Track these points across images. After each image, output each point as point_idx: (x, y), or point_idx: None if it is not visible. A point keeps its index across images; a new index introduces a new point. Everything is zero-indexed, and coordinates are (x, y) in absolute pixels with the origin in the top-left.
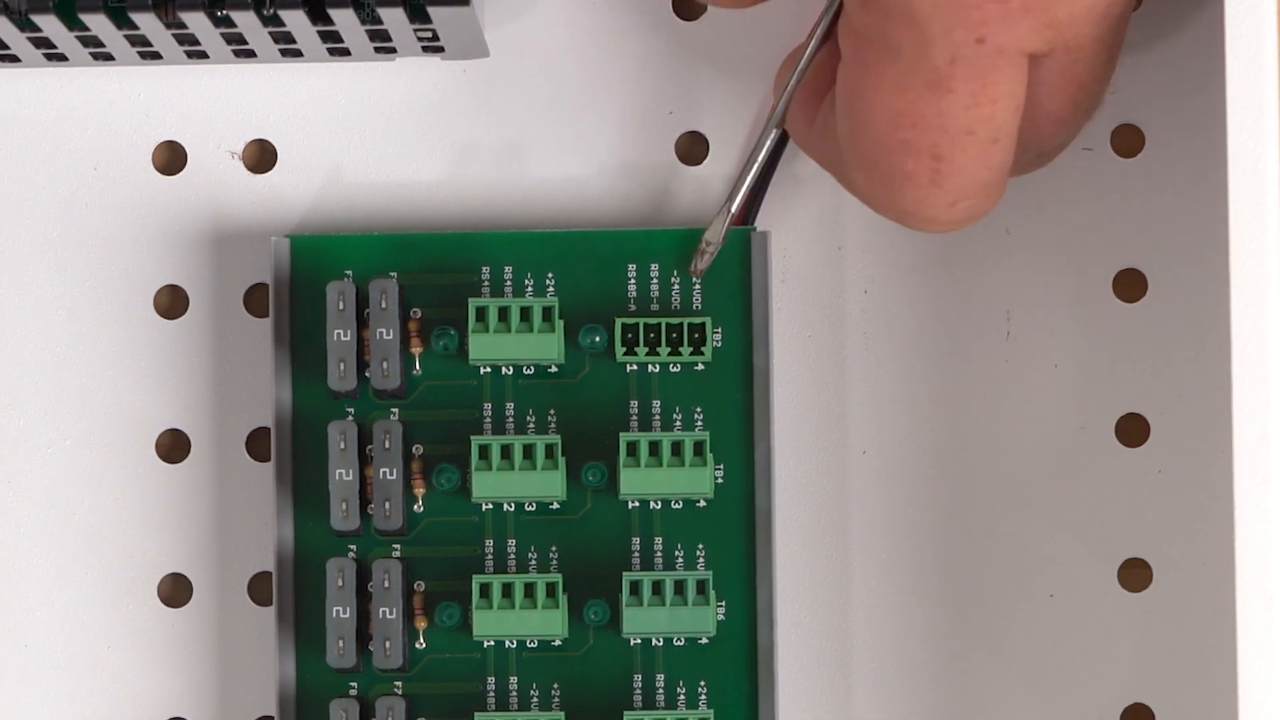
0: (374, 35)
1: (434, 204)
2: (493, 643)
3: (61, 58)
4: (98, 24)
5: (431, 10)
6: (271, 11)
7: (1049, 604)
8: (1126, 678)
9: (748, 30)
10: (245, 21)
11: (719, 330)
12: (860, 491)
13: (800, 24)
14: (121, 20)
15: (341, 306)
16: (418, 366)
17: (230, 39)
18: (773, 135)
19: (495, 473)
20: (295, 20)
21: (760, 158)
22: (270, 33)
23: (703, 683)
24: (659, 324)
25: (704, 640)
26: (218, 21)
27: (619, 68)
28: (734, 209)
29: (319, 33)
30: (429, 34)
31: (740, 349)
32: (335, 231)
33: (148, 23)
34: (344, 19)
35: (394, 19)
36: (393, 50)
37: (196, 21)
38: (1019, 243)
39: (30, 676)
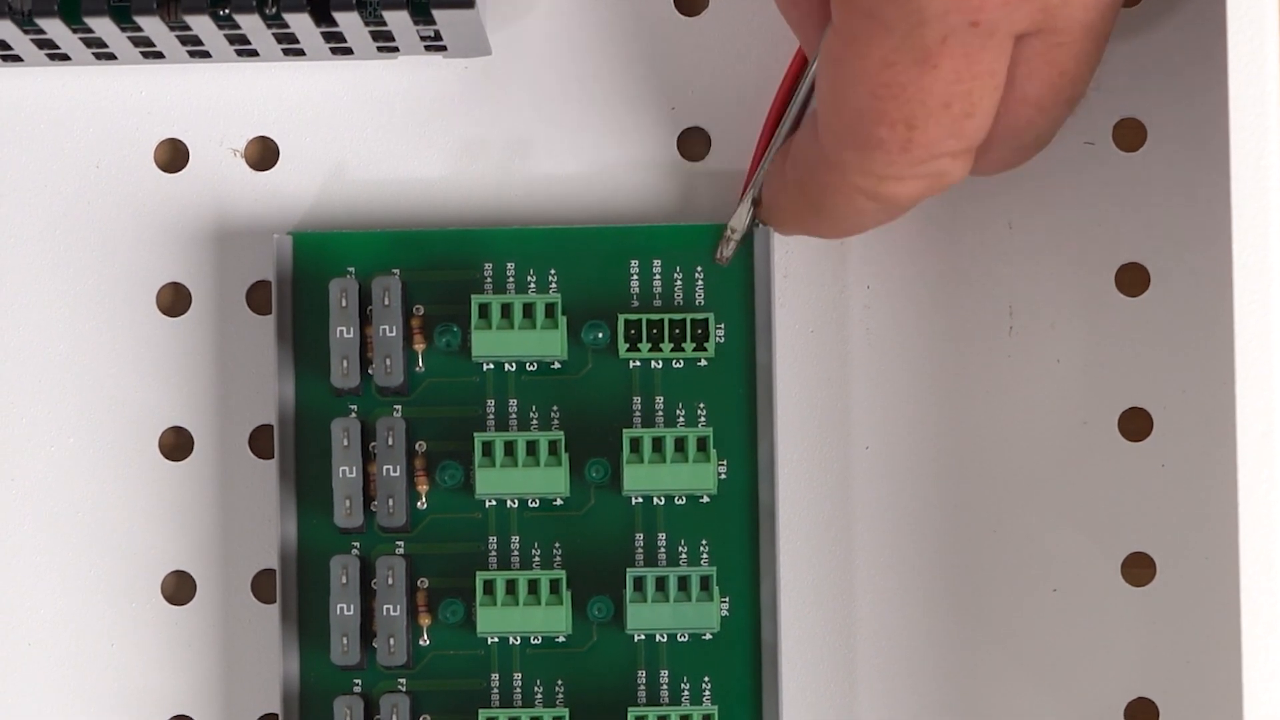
0: (377, 35)
1: (436, 201)
2: (496, 639)
3: (64, 58)
4: (101, 26)
5: (436, 12)
6: (275, 13)
7: (1052, 599)
8: (1130, 672)
9: (749, 26)
10: (249, 23)
11: (722, 326)
12: (863, 487)
13: None
14: (125, 22)
15: (344, 303)
16: (420, 363)
17: (233, 39)
18: (785, 130)
19: (498, 469)
20: (299, 22)
21: (770, 153)
22: (274, 33)
23: (706, 679)
24: (662, 320)
25: (708, 636)
26: (221, 23)
27: (621, 64)
28: (757, 194)
29: (322, 33)
30: (432, 34)
31: (743, 345)
32: (337, 229)
33: (151, 25)
34: (348, 21)
35: (398, 20)
36: (395, 49)
37: (200, 23)
38: (1021, 238)
39: (34, 675)
